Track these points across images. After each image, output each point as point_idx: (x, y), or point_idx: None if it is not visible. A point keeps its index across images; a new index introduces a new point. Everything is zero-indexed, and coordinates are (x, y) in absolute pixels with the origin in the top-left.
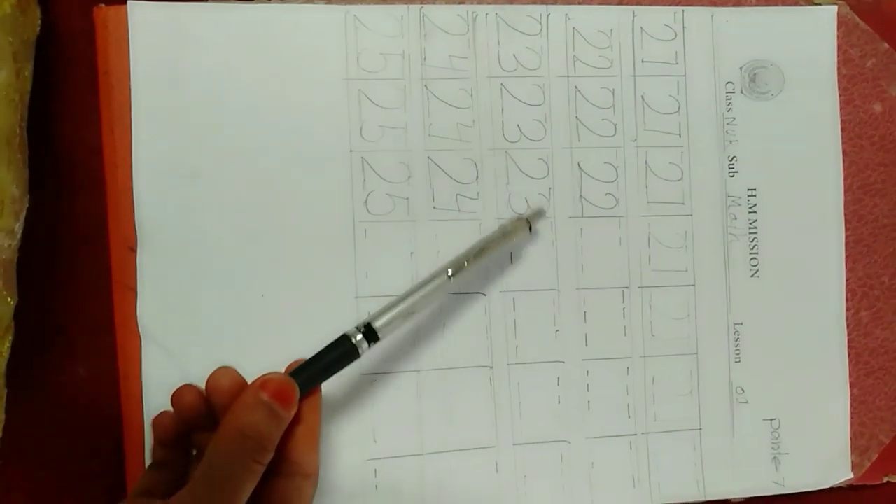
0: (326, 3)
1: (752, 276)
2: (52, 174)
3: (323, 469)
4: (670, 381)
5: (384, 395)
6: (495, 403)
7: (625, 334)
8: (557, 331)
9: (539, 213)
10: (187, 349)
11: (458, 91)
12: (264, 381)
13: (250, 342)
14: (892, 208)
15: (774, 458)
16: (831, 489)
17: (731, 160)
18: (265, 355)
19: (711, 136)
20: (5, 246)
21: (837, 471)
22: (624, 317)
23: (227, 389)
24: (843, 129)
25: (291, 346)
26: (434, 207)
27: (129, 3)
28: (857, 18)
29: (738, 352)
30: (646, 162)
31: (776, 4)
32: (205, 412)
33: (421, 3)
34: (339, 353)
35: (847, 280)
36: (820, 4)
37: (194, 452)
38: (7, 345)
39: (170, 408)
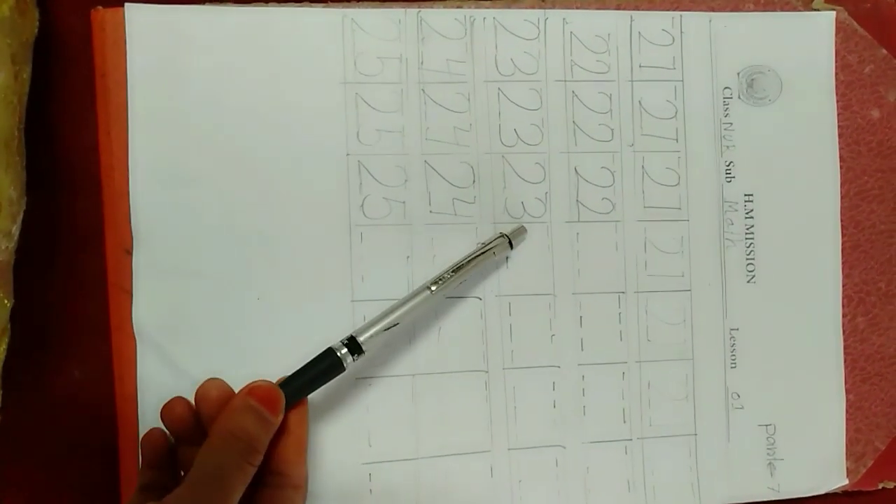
0: (324, 6)
1: (748, 281)
2: (49, 176)
3: (318, 473)
4: (666, 386)
5: (379, 398)
6: (490, 408)
7: (621, 339)
8: (553, 335)
9: (520, 231)
10: (182, 351)
11: (455, 95)
12: (252, 388)
13: (246, 345)
14: (888, 214)
15: (770, 463)
16: (826, 495)
17: (728, 165)
18: (260, 358)
19: (708, 142)
20: (2, 248)
21: (833, 477)
22: (620, 322)
23: (215, 400)
24: (840, 135)
25: (287, 349)
26: (430, 211)
27: (126, 5)
28: (856, 24)
29: (733, 357)
30: (643, 167)
31: (774, 10)
32: (194, 424)
33: (419, 7)
34: (325, 366)
35: (843, 286)
36: (818, 10)
37: (182, 474)
38: (3, 346)
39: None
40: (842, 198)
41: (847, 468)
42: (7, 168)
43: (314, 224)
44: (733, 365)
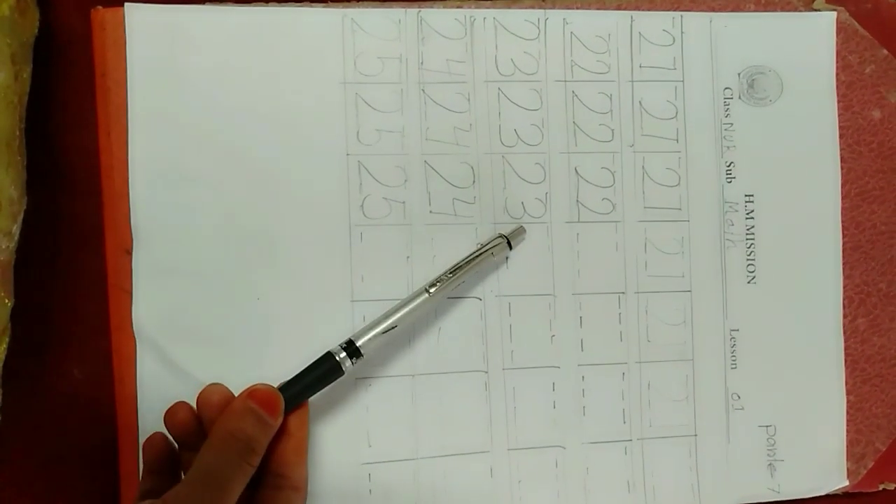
0: (324, 6)
1: (748, 282)
2: (49, 176)
3: (317, 473)
4: (666, 386)
5: (379, 399)
6: (490, 408)
7: (621, 340)
8: (553, 336)
9: (518, 232)
10: (182, 351)
11: (455, 95)
12: (252, 391)
13: (245, 345)
14: (889, 215)
15: (770, 464)
16: (827, 496)
17: (729, 166)
18: (260, 359)
19: (709, 142)
20: (2, 248)
21: (833, 478)
22: (620, 322)
23: (216, 404)
24: (841, 136)
25: (286, 348)
26: (430, 212)
27: (126, 5)
28: (857, 24)
29: (734, 358)
30: (643, 167)
31: (775, 10)
32: (196, 429)
33: (419, 7)
34: (324, 369)
35: (844, 287)
36: (819, 10)
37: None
38: (4, 346)
39: (163, 410)
40: (842, 198)
41: (847, 469)
42: (7, 168)
43: (314, 224)
44: (734, 366)
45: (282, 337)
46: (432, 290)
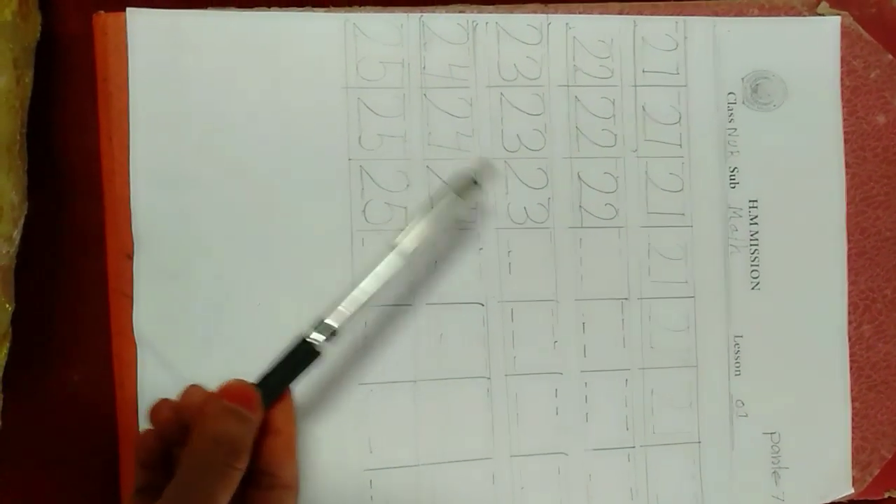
0: (326, 11)
1: (752, 288)
2: (51, 181)
3: (319, 478)
4: (669, 393)
5: (381, 405)
6: (493, 414)
7: (624, 346)
8: (556, 342)
9: (484, 168)
10: (183, 356)
11: (457, 100)
12: (225, 389)
13: (246, 350)
14: (894, 221)
15: (774, 472)
16: None
17: (733, 171)
18: (261, 364)
19: (712, 147)
20: (3, 252)
21: (838, 486)
22: (623, 328)
23: (198, 406)
24: (845, 141)
25: None
26: None
27: (128, 9)
28: (861, 29)
29: (738, 364)
30: (646, 172)
31: (779, 15)
32: (180, 426)
33: (421, 12)
34: (300, 354)
35: (849, 293)
36: (823, 15)
37: None
38: (4, 350)
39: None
40: (847, 204)
41: (853, 477)
42: (9, 172)
43: (316, 229)
44: (737, 372)
45: (283, 342)
46: (396, 240)
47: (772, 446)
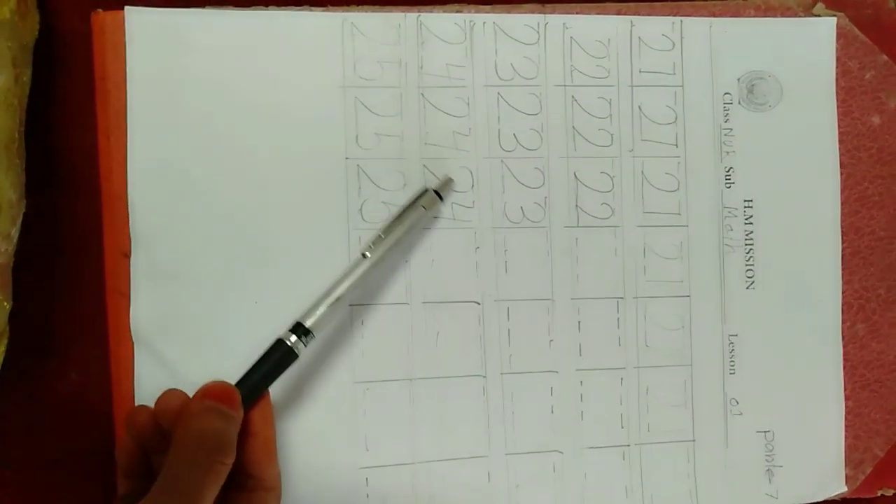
0: (323, 10)
1: (747, 287)
2: (49, 179)
3: (314, 476)
4: (664, 391)
5: (377, 403)
6: (488, 413)
7: (619, 345)
8: (551, 340)
9: (447, 183)
10: (179, 355)
11: (454, 99)
12: (205, 390)
13: (243, 349)
14: (889, 221)
15: (768, 470)
16: (825, 502)
17: (728, 171)
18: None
19: (708, 147)
20: (1, 250)
21: (831, 484)
22: (618, 327)
23: (176, 410)
24: (840, 141)
25: None
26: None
27: (126, 8)
28: (857, 30)
29: (732, 363)
30: (642, 172)
31: (775, 15)
32: (157, 432)
33: (418, 11)
34: (277, 356)
35: (843, 292)
36: (819, 16)
37: None
38: (2, 349)
39: None
40: (842, 204)
41: (846, 475)
42: (7, 170)
43: (312, 228)
44: (732, 371)
45: None
46: (368, 253)
47: (766, 444)
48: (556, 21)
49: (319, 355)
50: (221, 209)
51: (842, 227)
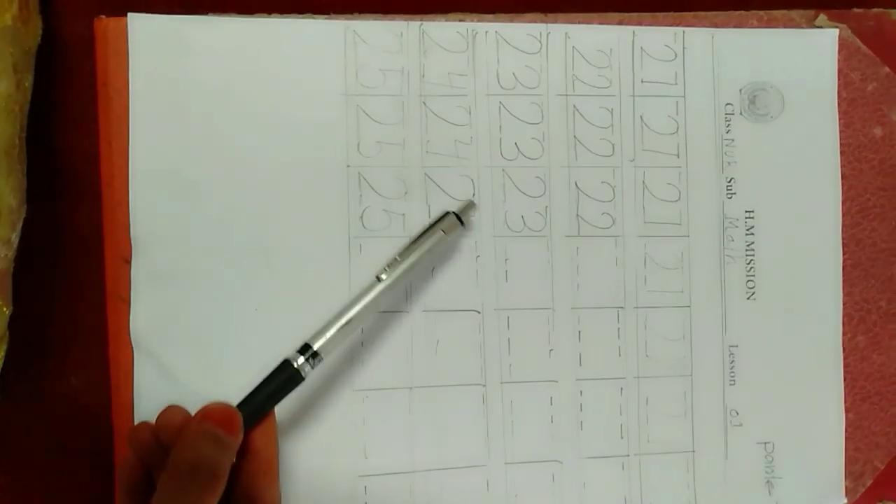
0: (326, 18)
1: (748, 298)
2: (50, 185)
3: (312, 484)
4: (664, 402)
5: (376, 411)
6: (487, 422)
7: (619, 355)
8: (551, 350)
9: (469, 207)
10: (179, 361)
11: (456, 108)
12: (207, 412)
13: (243, 356)
14: (890, 233)
15: (768, 481)
16: None
17: (730, 182)
18: (257, 369)
19: (710, 158)
20: (2, 255)
21: (831, 496)
22: (619, 337)
23: (176, 427)
24: (842, 153)
25: None
26: None
27: (129, 14)
28: (859, 42)
29: (732, 374)
30: (643, 182)
31: (777, 26)
32: (161, 449)
33: (421, 20)
34: (282, 378)
35: (844, 304)
36: (821, 27)
37: None
38: (1, 354)
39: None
40: (843, 215)
41: (846, 487)
42: (8, 176)
43: (313, 235)
44: (732, 382)
45: (280, 348)
46: (383, 276)
47: (765, 456)
48: (559, 30)
49: (319, 363)
50: (222, 216)
51: (843, 238)
